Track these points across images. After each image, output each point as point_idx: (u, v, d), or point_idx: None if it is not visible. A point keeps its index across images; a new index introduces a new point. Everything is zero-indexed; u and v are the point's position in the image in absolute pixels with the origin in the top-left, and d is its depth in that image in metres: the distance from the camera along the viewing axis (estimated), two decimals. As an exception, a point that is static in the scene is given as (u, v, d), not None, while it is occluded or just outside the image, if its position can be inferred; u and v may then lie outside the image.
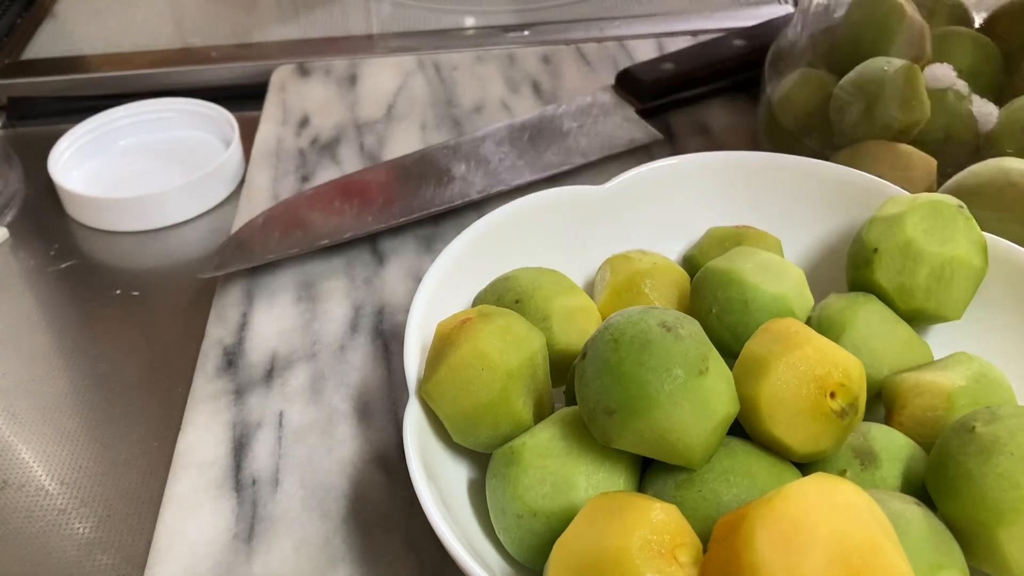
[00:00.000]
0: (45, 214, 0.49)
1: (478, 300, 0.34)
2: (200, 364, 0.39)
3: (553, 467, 0.27)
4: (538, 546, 0.27)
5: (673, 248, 0.39)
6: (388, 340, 0.40)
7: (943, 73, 0.40)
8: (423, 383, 0.30)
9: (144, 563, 0.32)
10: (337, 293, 0.42)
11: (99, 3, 0.70)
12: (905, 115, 0.39)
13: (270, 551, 0.32)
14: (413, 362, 0.31)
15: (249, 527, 0.33)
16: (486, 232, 0.35)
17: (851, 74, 0.41)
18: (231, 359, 0.39)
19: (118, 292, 0.44)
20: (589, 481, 0.27)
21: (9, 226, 0.49)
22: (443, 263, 0.34)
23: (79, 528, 0.34)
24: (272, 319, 0.41)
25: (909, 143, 0.40)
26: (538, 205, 0.37)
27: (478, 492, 0.30)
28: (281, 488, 0.34)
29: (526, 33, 0.63)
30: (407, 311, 0.41)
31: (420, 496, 0.27)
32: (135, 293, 0.44)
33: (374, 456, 0.35)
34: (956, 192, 0.38)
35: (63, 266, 0.46)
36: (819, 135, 0.43)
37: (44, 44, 0.64)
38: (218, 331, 0.41)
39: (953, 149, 0.40)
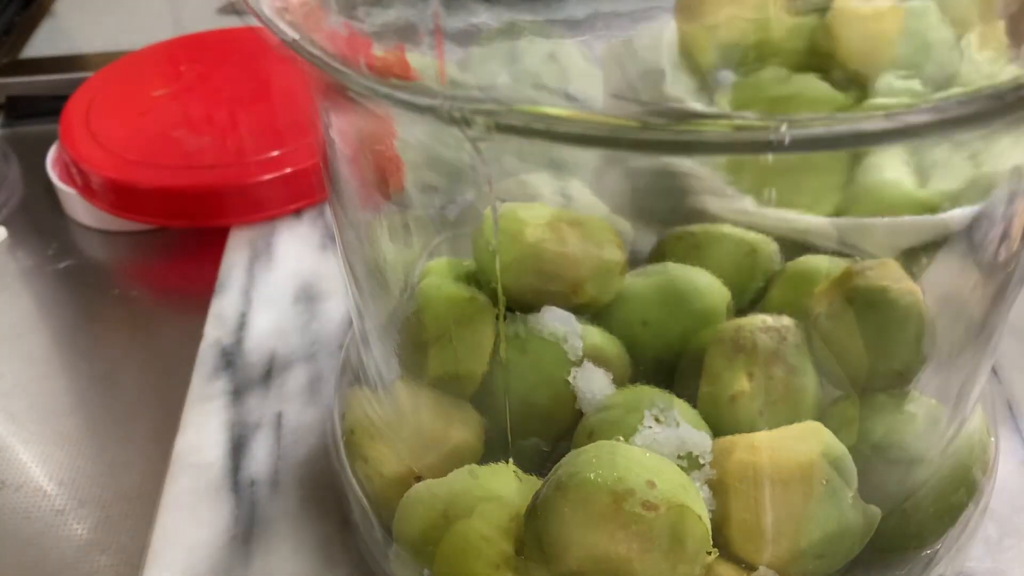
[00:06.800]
0: (44, 214, 0.49)
1: None
2: (198, 365, 0.39)
3: None
4: None
5: None
6: (387, 340, 0.40)
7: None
8: None
9: (142, 564, 0.32)
10: (336, 293, 0.42)
11: (98, 1, 0.69)
12: None
13: (269, 552, 0.32)
14: None
15: (248, 528, 0.33)
16: None
17: None
18: (229, 359, 0.39)
19: (117, 292, 0.44)
20: None
21: (7, 226, 0.49)
22: None
23: (77, 529, 0.34)
24: (271, 319, 0.41)
25: None
26: None
27: None
28: (280, 489, 0.34)
29: (526, 32, 0.63)
30: (406, 311, 0.41)
31: None
32: (134, 293, 0.44)
33: (373, 457, 0.35)
34: None
35: (61, 266, 0.46)
36: None
37: (43, 43, 0.64)
38: (216, 331, 0.41)
39: None
